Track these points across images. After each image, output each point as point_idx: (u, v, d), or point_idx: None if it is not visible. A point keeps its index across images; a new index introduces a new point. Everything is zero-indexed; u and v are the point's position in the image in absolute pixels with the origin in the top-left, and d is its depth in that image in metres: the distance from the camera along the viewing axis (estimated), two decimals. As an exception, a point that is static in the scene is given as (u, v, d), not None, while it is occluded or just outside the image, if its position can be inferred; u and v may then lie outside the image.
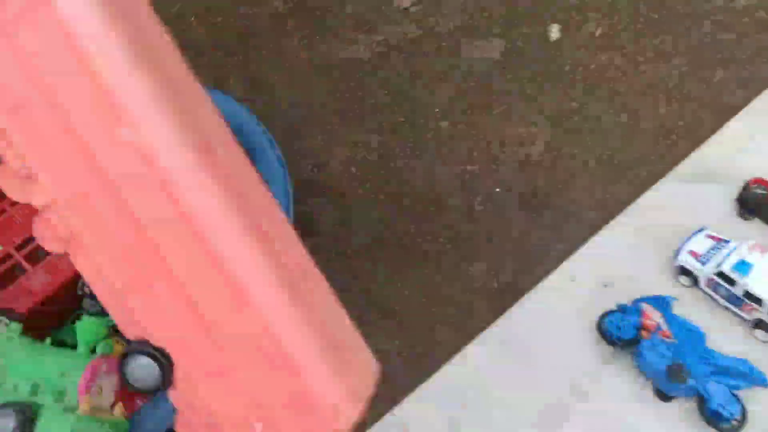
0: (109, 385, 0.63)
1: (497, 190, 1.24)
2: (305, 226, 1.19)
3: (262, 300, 0.44)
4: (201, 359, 0.45)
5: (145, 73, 0.43)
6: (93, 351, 0.67)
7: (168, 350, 0.46)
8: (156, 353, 0.46)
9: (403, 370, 0.97)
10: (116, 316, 0.47)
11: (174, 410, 0.59)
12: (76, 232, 0.45)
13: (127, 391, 0.69)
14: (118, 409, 0.63)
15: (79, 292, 0.73)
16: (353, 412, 0.46)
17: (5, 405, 0.58)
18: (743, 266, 1.13)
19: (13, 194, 0.46)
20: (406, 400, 0.96)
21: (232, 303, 0.44)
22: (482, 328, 1.01)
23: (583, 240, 1.14)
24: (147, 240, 0.44)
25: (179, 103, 0.46)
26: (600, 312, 0.99)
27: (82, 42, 0.41)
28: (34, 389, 0.59)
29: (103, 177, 0.43)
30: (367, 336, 1.04)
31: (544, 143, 1.30)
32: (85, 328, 0.67)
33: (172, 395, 0.47)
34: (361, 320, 1.07)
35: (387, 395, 0.95)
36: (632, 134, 1.28)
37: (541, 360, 0.94)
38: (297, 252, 0.54)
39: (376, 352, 1.02)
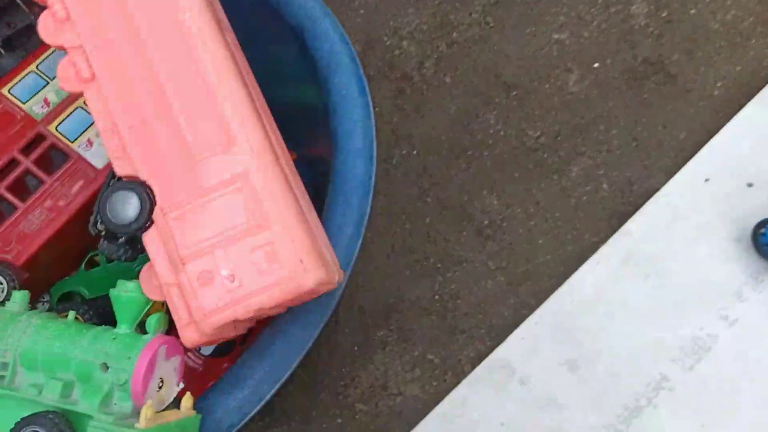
0: (171, 373, 0.51)
1: (596, 65, 1.07)
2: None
3: (249, 145, 0.51)
4: (181, 199, 0.52)
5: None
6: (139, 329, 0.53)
7: (153, 188, 0.52)
8: (143, 190, 0.52)
9: (503, 298, 0.85)
10: (111, 152, 0.54)
11: (249, 398, 0.56)
12: (96, 72, 0.53)
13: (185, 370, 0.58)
14: (187, 402, 0.51)
15: (92, 232, 0.59)
16: (319, 275, 0.50)
17: (29, 419, 0.43)
18: None
19: (47, 36, 0.55)
20: (510, 337, 0.84)
21: (220, 144, 0.51)
22: (596, 246, 0.87)
23: (712, 127, 1.00)
24: (158, 84, 0.52)
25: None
26: (747, 218, 0.86)
27: None
28: (66, 390, 0.47)
29: (132, 26, 0.53)
30: (455, 256, 0.92)
31: (648, 2, 1.13)
32: (126, 298, 0.51)
33: (147, 236, 0.53)
34: (440, 238, 0.94)
35: (486, 330, 0.83)
36: (765, -14, 1.10)
37: (676, 280, 0.82)
38: (282, 143, 0.62)
39: (471, 277, 0.90)
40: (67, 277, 0.74)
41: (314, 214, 0.61)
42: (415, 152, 0.99)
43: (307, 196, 0.61)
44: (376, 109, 1.06)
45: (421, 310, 0.86)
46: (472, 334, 0.85)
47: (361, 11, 1.15)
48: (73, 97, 0.78)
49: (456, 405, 0.78)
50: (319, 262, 0.52)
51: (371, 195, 0.69)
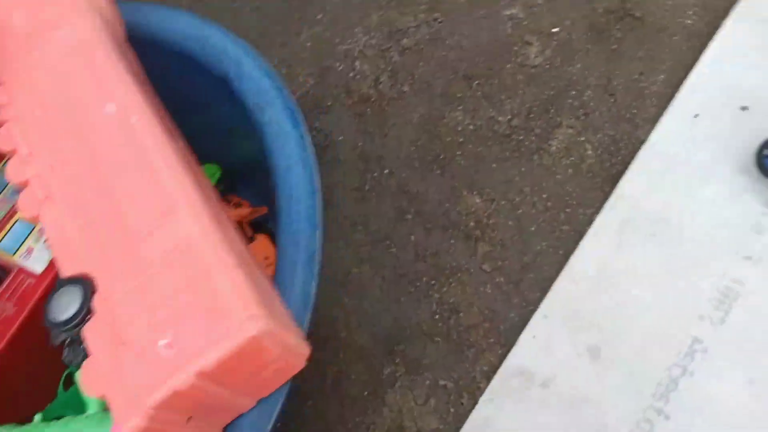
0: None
1: (555, 30, 1.04)
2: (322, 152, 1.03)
3: (189, 211, 0.53)
4: (124, 281, 0.52)
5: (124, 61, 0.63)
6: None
7: (93, 277, 0.53)
8: (83, 283, 0.53)
9: (506, 299, 0.81)
10: (59, 258, 0.56)
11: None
12: (51, 193, 0.58)
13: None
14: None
15: (54, 343, 0.59)
16: (266, 323, 0.48)
17: None
18: None
19: (15, 176, 0.60)
20: (520, 339, 0.80)
21: (162, 215, 0.53)
22: (593, 218, 0.83)
23: (691, 61, 0.95)
24: (106, 183, 0.56)
25: (146, 89, 0.64)
26: (748, 144, 0.81)
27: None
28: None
29: (86, 144, 0.58)
30: (445, 258, 0.89)
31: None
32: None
33: (86, 328, 0.52)
34: (432, 251, 0.92)
35: (494, 339, 0.80)
36: None
37: (687, 232, 0.77)
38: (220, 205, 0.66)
39: (468, 286, 0.87)
40: (49, 405, 0.75)
41: (264, 273, 0.61)
42: (386, 171, 0.98)
43: (252, 257, 0.61)
44: (340, 137, 1.06)
45: (424, 335, 0.84)
46: (481, 346, 0.82)
47: (308, 44, 1.15)
48: (10, 215, 0.80)
49: (478, 427, 0.76)
50: (265, 310, 0.50)
51: (319, 230, 0.68)
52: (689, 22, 0.96)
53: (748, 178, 0.80)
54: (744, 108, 0.84)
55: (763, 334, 0.72)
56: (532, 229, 0.86)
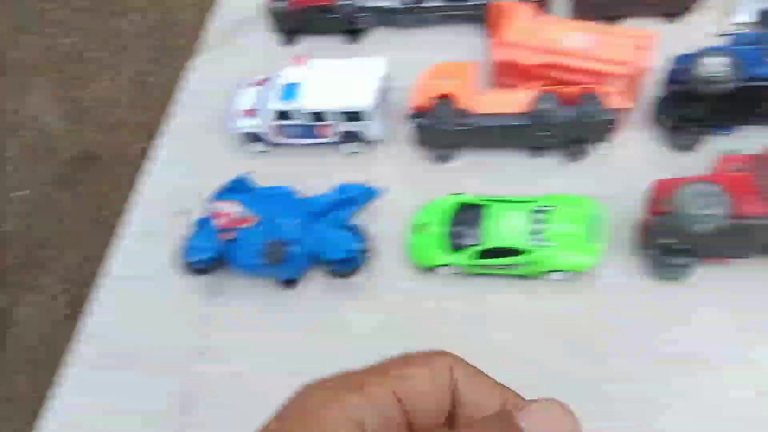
0: None
1: (22, 193, 1.12)
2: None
3: None
4: None
5: None
6: None
7: None
8: None
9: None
10: None
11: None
12: None
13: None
14: None
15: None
16: None
17: None
18: (290, 90, 1.05)
19: None
20: None
21: None
22: (65, 373, 0.87)
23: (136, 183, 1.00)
24: None
25: None
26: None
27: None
28: None
29: None
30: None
31: (59, 108, 1.13)
32: None
33: None
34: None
35: None
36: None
37: (142, 351, 0.82)
38: None
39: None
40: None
41: None
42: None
43: None
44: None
45: None
46: None
47: None
48: None
49: None
50: None
51: None
52: (137, 150, 1.10)
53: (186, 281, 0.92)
54: (182, 212, 0.95)
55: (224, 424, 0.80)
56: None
